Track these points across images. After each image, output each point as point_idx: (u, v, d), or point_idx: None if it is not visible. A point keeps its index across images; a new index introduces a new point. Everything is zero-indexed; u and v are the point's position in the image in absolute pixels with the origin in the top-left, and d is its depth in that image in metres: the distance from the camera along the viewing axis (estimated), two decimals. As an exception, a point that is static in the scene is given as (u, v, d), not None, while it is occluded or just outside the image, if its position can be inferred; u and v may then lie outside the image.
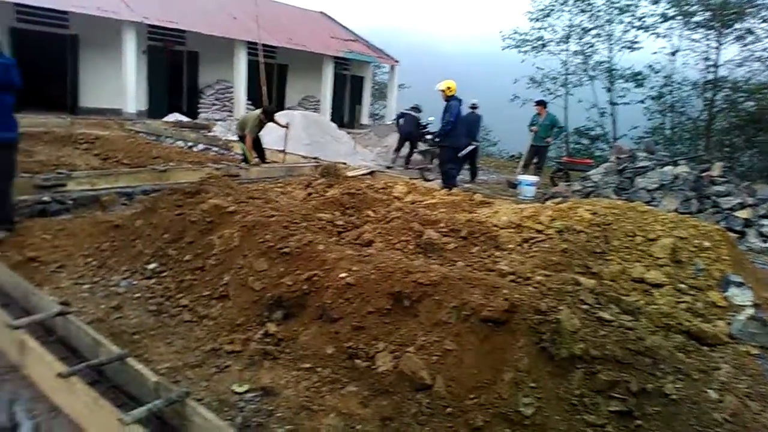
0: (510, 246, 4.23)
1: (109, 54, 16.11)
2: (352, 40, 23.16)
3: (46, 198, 5.55)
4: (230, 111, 18.78)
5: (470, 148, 11.68)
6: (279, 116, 10.94)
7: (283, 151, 9.88)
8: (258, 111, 9.13)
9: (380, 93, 29.71)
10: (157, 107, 17.16)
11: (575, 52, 21.34)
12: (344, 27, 24.23)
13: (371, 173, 9.14)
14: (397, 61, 23.24)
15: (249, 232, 3.91)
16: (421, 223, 4.50)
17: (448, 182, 8.68)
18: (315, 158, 10.03)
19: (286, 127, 9.66)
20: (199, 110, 18.57)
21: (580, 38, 21.01)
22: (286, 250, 3.61)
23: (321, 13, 25.22)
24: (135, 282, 3.90)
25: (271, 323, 3.19)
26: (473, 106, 11.75)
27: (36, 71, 15.95)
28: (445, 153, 9.00)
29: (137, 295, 3.72)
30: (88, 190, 6.01)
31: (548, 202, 5.58)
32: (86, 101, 16.25)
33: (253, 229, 3.93)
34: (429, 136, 13.44)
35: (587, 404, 2.42)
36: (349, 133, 15.57)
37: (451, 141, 8.72)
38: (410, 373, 2.53)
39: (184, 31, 17.56)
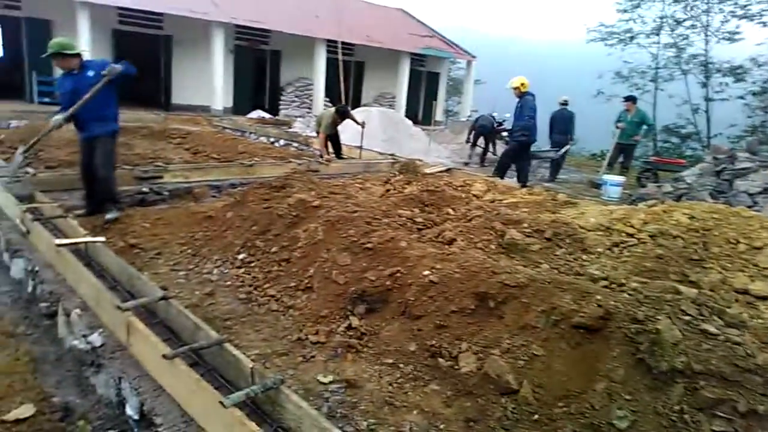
0: (598, 249, 4.05)
1: (199, 53, 17.03)
2: (429, 36, 23.06)
3: (145, 189, 5.96)
4: (309, 108, 19.29)
5: (567, 148, 11.43)
6: (356, 113, 11.16)
7: (359, 147, 10.00)
8: (333, 109, 9.32)
9: (454, 89, 29.42)
10: (241, 104, 17.95)
11: (667, 45, 20.05)
12: (422, 23, 24.17)
13: (448, 170, 9.06)
14: (474, 57, 22.89)
15: (333, 227, 4.00)
16: (503, 223, 4.40)
17: (499, 173, 8.72)
18: (391, 155, 10.08)
19: (362, 125, 9.74)
20: (280, 107, 19.22)
21: (673, 30, 19.71)
22: (368, 245, 3.66)
23: (400, 10, 25.30)
24: (226, 271, 4.10)
25: (354, 317, 3.24)
26: (564, 103, 11.44)
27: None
28: (513, 147, 9.10)
29: (228, 283, 3.91)
30: (182, 182, 6.39)
31: (640, 204, 5.28)
32: (178, 98, 17.28)
33: (336, 223, 4.01)
34: (504, 133, 13.17)
35: (688, 421, 2.26)
36: (423, 129, 15.54)
37: (521, 137, 8.75)
38: (495, 376, 2.49)
39: (268, 31, 18.22)
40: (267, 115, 17.04)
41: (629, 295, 2.84)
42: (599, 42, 21.02)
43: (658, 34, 20.09)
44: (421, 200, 5.35)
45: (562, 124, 11.32)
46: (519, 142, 8.89)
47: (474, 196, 6.00)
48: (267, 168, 7.30)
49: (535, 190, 6.33)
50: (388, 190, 6.15)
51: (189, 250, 4.50)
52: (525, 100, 8.69)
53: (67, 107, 4.90)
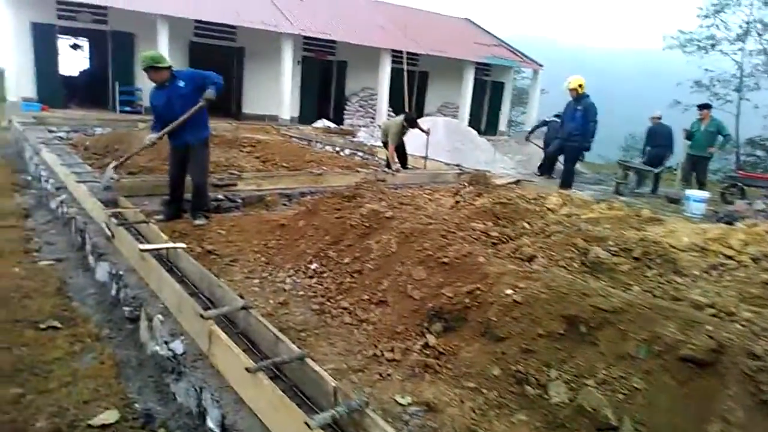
0: (694, 272, 3.73)
1: (268, 65, 17.54)
2: (495, 45, 22.72)
3: (220, 196, 6.11)
4: (372, 117, 19.43)
5: (667, 162, 11.12)
6: (421, 122, 11.09)
7: (425, 158, 9.90)
8: (400, 118, 9.21)
9: (518, 99, 28.81)
10: (307, 114, 18.33)
11: (754, 51, 18.74)
12: (488, 32, 23.87)
13: (517, 182, 8.80)
14: (541, 66, 22.32)
15: (406, 239, 3.90)
16: (586, 240, 4.15)
17: (567, 183, 8.42)
18: (457, 165, 9.92)
19: (428, 132, 9.62)
20: (345, 116, 19.48)
21: (761, 35, 18.42)
22: (445, 260, 3.53)
23: (465, 19, 25.12)
24: (299, 280, 4.09)
25: (431, 335, 3.12)
26: (658, 117, 11.34)
27: (208, 81, 17.99)
28: (574, 153, 8.93)
29: (301, 293, 3.89)
30: (254, 190, 6.51)
31: (737, 224, 4.86)
32: (248, 108, 17.86)
33: (410, 236, 3.91)
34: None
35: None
36: (488, 140, 15.25)
37: (585, 142, 8.49)
38: (591, 410, 2.29)
39: (335, 42, 18.54)
40: (332, 125, 17.30)
41: (742, 326, 2.56)
42: (676, 49, 19.95)
43: (743, 41, 18.82)
44: (494, 213, 5.16)
45: (661, 138, 11.09)
46: (582, 148, 8.68)
47: (549, 209, 5.74)
48: (335, 177, 7.32)
49: (615, 204, 5.99)
50: (457, 202, 6.00)
51: (263, 258, 4.53)
52: (587, 102, 8.40)
53: (160, 120, 5.09)
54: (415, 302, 3.36)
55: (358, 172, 7.72)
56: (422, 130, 9.57)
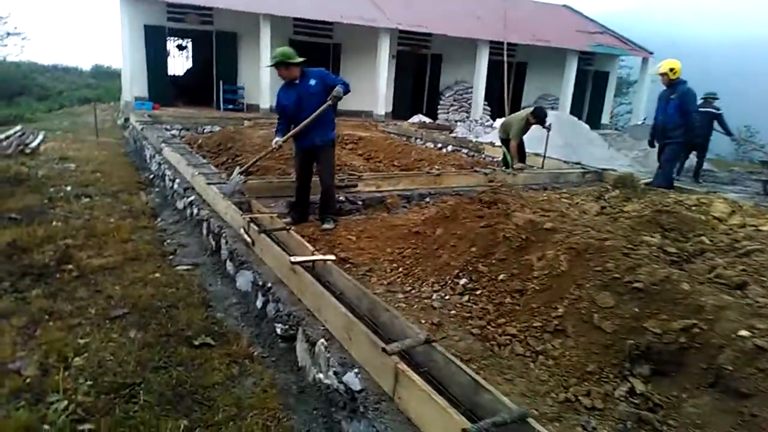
0: None
1: (364, 60, 17.40)
2: (599, 33, 21.23)
3: (341, 198, 5.85)
4: (467, 112, 18.78)
5: None
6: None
7: (543, 156, 9.16)
8: (525, 112, 8.49)
9: (617, 90, 26.88)
10: (400, 109, 18.02)
11: None
12: (590, 19, 22.37)
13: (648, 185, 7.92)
14: (651, 53, 20.58)
15: (579, 257, 3.38)
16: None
17: (666, 183, 7.21)
18: (577, 163, 9.14)
19: (549, 128, 8.89)
20: (438, 111, 18.98)
21: None
22: (637, 285, 2.98)
23: (565, 6, 23.72)
24: (446, 297, 3.68)
25: (636, 379, 2.59)
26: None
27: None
28: (675, 151, 7.59)
29: (453, 312, 3.48)
30: (374, 191, 6.21)
31: None
32: (343, 104, 17.74)
33: (584, 253, 3.38)
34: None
35: None
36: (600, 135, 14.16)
37: (688, 135, 7.27)
38: None
39: (430, 35, 18.06)
40: (427, 120, 16.87)
41: None
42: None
43: None
44: (659, 223, 4.49)
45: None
46: (684, 144, 7.63)
47: (716, 219, 4.96)
48: (454, 178, 6.88)
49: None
50: (603, 208, 5.35)
51: (400, 269, 4.18)
52: (683, 89, 7.06)
53: (288, 120, 4.90)
54: (607, 336, 2.84)
55: (476, 172, 7.22)
56: (544, 126, 8.88)
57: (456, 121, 16.96)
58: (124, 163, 8.91)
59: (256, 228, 3.88)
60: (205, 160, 7.01)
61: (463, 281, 3.79)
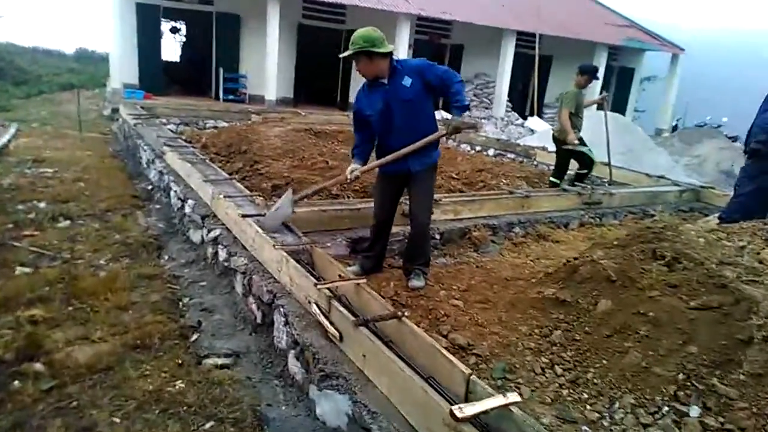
0: None
1: (380, 48, 15.80)
2: (627, 26, 19.82)
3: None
4: (488, 108, 17.28)
5: None
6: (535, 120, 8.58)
7: (608, 164, 7.59)
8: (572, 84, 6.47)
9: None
10: (416, 103, 16.44)
11: None
12: (616, 12, 20.93)
13: None
14: (682, 50, 19.23)
15: None
16: None
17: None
18: (661, 177, 7.70)
19: (605, 100, 7.23)
20: (457, 107, 17.44)
21: None
22: None
23: (589, -4, 22.25)
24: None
25: None
26: None
27: (313, 66, 16.47)
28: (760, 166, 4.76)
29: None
30: (452, 219, 4.70)
31: None
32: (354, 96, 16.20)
33: None
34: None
35: None
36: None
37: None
38: None
39: (450, 24, 16.50)
40: (447, 116, 15.32)
41: None
42: None
43: None
44: None
45: None
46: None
47: None
48: (544, 200, 5.38)
49: None
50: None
51: (559, 371, 2.68)
52: None
53: (370, 132, 3.38)
54: None
55: (565, 191, 5.72)
56: (600, 104, 7.29)
57: (481, 119, 15.45)
58: (114, 168, 7.24)
59: (345, 312, 2.34)
60: (224, 173, 5.40)
61: (693, 411, 2.30)
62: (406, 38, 15.08)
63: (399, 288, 3.47)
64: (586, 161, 6.29)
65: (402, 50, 14.99)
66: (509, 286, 3.62)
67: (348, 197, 5.59)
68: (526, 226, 4.99)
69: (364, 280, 2.75)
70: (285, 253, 3.01)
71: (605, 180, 7.45)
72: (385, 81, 3.21)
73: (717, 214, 5.37)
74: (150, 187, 6.26)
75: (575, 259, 3.65)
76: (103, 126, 11.47)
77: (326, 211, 4.11)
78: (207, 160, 5.85)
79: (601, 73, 18.34)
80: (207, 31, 15.27)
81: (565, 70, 19.19)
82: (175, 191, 5.11)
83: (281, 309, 2.75)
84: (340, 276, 2.76)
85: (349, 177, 3.37)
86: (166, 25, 20.41)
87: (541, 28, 15.19)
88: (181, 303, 3.41)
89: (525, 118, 16.44)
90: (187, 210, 4.59)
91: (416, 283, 3.44)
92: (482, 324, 3.08)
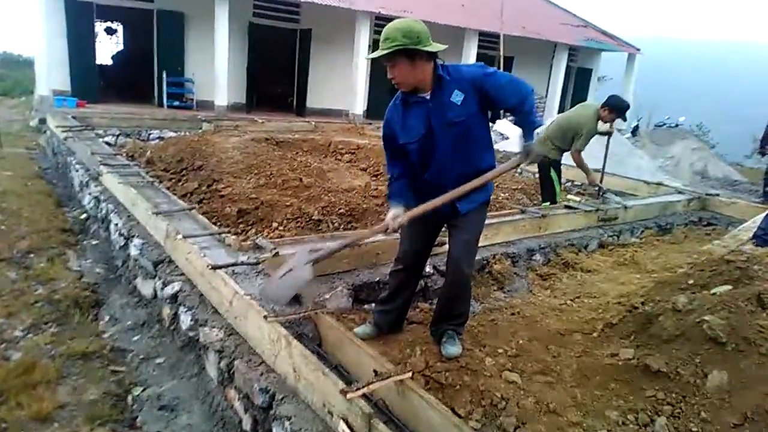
0: None
1: (338, 50, 14.93)
2: (583, 26, 19.74)
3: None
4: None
5: None
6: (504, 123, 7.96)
7: (602, 171, 6.94)
8: (589, 109, 5.57)
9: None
10: (377, 108, 15.58)
11: None
12: (571, 13, 20.83)
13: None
14: (638, 50, 19.28)
15: None
16: None
17: None
18: (658, 183, 7.21)
19: (611, 132, 6.52)
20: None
21: None
22: None
23: (544, -2, 22.08)
24: None
25: None
26: None
27: (266, 69, 15.35)
28: None
29: None
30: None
31: None
32: (313, 101, 15.22)
33: None
34: None
35: None
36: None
37: None
38: None
39: (411, 22, 15.77)
40: (505, 128, 14.54)
41: None
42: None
43: None
44: None
45: None
46: None
47: None
48: (562, 219, 4.67)
49: None
50: None
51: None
52: None
53: (408, 161, 2.49)
54: None
55: (578, 210, 5.01)
56: (607, 134, 6.64)
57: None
58: (40, 193, 6.00)
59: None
60: (179, 200, 4.36)
61: None
62: (366, 38, 14.23)
63: (429, 356, 2.60)
64: (550, 193, 5.68)
65: (363, 51, 14.14)
66: (566, 344, 2.84)
67: (332, 223, 4.68)
68: (547, 252, 4.25)
69: (409, 375, 1.88)
70: (284, 331, 2.09)
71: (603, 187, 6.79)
72: (427, 96, 2.33)
73: (740, 229, 4.89)
74: (84, 216, 5.14)
75: (642, 304, 2.93)
76: (29, 139, 10.00)
77: (317, 250, 3.19)
78: (155, 183, 4.78)
79: (562, 74, 18.19)
80: (147, 31, 13.87)
81: (526, 70, 18.89)
82: (116, 225, 4.06)
83: (286, 425, 1.85)
84: (375, 372, 1.87)
85: (392, 227, 2.43)
86: (101, 26, 18.72)
87: (504, 28, 14.67)
88: (130, 397, 2.43)
89: (493, 122, 15.92)
90: (133, 252, 3.57)
91: (452, 350, 2.59)
92: (555, 410, 2.27)
